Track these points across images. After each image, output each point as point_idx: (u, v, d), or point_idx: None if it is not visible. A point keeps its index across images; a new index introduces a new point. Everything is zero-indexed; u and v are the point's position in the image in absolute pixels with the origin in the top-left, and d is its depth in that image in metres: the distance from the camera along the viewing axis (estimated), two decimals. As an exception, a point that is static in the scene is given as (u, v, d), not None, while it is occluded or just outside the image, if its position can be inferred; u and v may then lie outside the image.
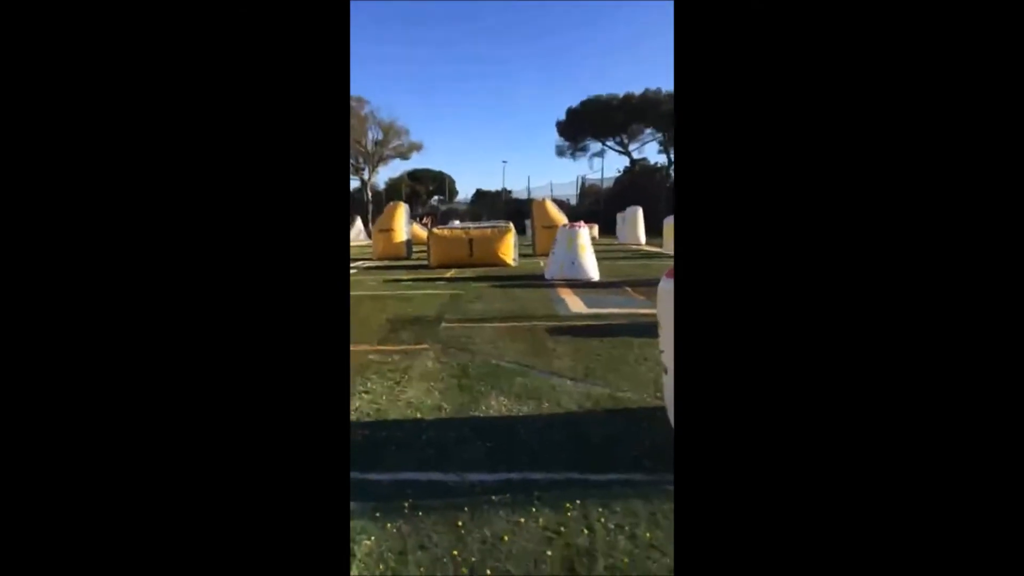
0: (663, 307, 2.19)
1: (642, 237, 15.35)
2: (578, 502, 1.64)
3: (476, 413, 2.45)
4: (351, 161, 26.27)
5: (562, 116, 29.34)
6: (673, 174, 26.67)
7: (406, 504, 1.65)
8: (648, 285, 6.50)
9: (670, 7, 0.88)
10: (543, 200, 12.65)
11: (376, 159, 28.52)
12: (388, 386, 2.84)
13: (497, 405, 2.54)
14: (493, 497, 1.69)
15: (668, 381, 2.22)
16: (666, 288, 2.15)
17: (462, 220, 17.86)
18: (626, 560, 1.37)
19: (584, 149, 29.87)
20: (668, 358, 2.16)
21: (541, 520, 1.56)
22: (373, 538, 1.49)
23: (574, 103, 29.18)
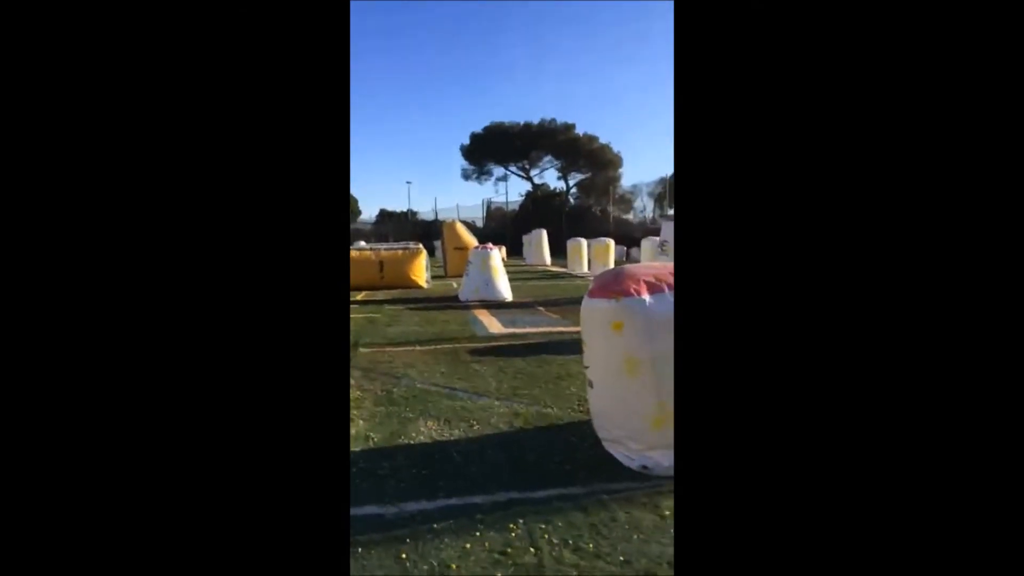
0: (587, 326, 2.31)
1: (547, 258, 15.93)
2: (521, 521, 1.66)
3: (406, 440, 2.38)
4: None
5: (466, 140, 29.94)
6: (571, 199, 28.10)
7: (344, 542, 1.56)
8: (558, 305, 6.76)
9: (670, 7, 0.89)
10: (453, 222, 12.71)
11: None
12: (306, 419, 2.67)
13: (427, 430, 2.49)
14: (435, 525, 1.65)
15: (592, 395, 2.34)
16: (588, 307, 2.28)
17: (367, 241, 17.29)
18: (575, 573, 1.42)
19: (488, 173, 30.58)
20: (593, 373, 2.28)
21: (487, 543, 1.56)
22: (311, 582, 1.40)
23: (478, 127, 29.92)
